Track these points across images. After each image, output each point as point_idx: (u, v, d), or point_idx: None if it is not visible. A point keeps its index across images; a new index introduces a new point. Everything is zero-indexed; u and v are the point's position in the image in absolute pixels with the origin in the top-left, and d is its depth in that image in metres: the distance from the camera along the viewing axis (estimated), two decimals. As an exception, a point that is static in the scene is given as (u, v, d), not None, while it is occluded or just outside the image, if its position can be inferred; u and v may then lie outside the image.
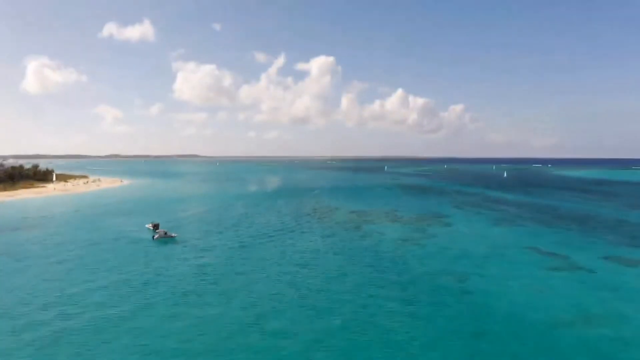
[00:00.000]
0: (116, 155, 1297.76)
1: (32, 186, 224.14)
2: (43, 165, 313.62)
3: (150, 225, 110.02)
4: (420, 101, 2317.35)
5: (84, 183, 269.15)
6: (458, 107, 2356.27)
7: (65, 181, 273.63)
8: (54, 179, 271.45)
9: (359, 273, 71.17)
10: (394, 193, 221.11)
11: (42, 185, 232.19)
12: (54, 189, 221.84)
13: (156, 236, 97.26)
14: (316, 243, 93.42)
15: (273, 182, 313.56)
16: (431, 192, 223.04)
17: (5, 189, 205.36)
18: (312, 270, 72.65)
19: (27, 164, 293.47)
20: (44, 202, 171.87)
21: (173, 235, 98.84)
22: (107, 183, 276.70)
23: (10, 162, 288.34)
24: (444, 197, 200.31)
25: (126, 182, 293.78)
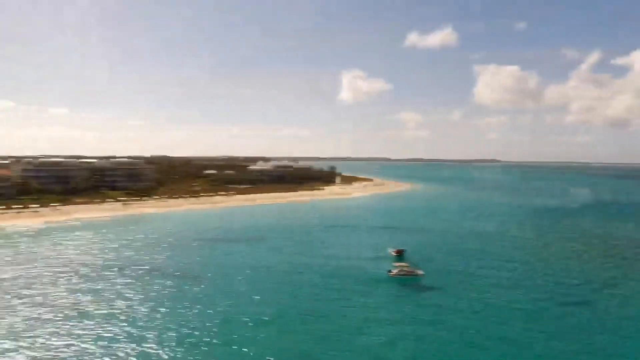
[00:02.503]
0: (417, 159, 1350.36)
1: (313, 188, 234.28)
2: (344, 167, 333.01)
3: (394, 251, 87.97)
4: None
5: (363, 186, 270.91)
6: None
7: (349, 183, 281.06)
8: (338, 180, 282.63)
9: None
10: None
11: (321, 187, 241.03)
12: (331, 190, 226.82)
13: (394, 272, 72.97)
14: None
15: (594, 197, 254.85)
16: None
17: (290, 190, 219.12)
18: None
19: (324, 166, 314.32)
20: (301, 205, 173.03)
21: (418, 273, 72.81)
22: (389, 187, 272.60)
23: (304, 165, 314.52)
24: None
25: (410, 186, 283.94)
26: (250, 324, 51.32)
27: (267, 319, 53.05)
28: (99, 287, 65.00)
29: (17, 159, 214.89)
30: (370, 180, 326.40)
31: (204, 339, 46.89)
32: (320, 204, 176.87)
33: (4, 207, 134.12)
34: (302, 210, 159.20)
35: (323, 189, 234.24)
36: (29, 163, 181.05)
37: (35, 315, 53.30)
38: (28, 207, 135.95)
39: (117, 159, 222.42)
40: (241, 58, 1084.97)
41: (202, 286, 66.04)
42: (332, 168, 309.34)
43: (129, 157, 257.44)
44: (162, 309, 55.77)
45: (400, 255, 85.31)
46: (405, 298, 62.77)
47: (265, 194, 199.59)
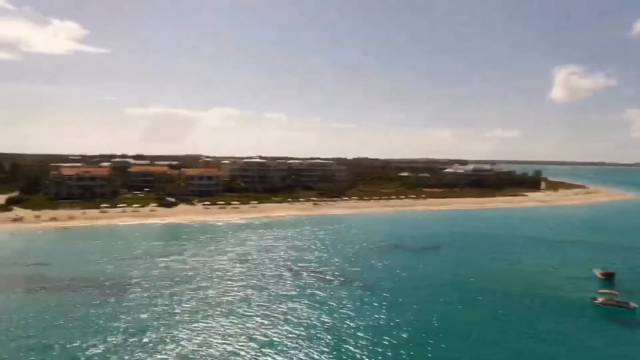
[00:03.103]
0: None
1: (514, 194, 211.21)
2: (551, 172, 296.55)
3: (601, 272, 73.19)
4: None
5: (573, 193, 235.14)
6: None
7: (556, 189, 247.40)
8: (543, 186, 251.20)
9: None
10: None
11: (522, 193, 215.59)
12: (534, 197, 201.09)
13: (600, 300, 60.00)
14: None
15: None
16: None
17: (486, 195, 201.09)
18: None
19: (528, 171, 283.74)
20: (490, 212, 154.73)
21: (631, 305, 58.20)
22: (605, 196, 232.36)
23: (501, 167, 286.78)
24: None
25: (635, 195, 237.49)
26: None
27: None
28: (268, 284, 63.50)
29: (234, 160, 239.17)
30: (582, 186, 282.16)
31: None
32: (516, 212, 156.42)
33: (209, 202, 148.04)
34: (490, 217, 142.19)
35: (525, 196, 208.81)
36: (235, 163, 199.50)
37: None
38: (230, 204, 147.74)
39: (312, 160, 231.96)
40: (444, 61, 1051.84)
41: (382, 295, 59.71)
42: (538, 172, 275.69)
43: (327, 160, 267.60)
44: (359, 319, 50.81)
45: (609, 278, 69.80)
46: (614, 337, 48.21)
47: (458, 199, 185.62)
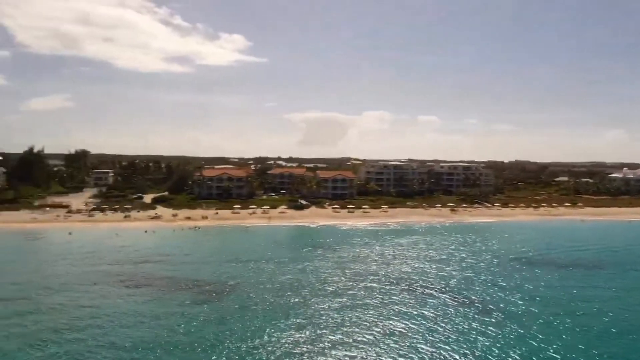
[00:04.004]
0: None
1: None
2: None
3: None
4: None
5: None
6: None
7: None
8: None
9: None
10: None
11: None
12: None
13: None
14: None
15: None
16: None
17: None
18: None
19: None
20: None
21: None
22: None
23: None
24: None
25: None
26: None
27: None
28: (378, 304, 53.54)
29: (375, 162, 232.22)
30: None
31: None
32: None
33: (338, 206, 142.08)
34: None
35: None
36: (371, 166, 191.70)
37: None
38: (360, 208, 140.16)
39: (453, 163, 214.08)
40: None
41: (525, 324, 46.45)
42: None
43: (480, 163, 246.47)
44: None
45: None
46: None
47: (624, 209, 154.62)
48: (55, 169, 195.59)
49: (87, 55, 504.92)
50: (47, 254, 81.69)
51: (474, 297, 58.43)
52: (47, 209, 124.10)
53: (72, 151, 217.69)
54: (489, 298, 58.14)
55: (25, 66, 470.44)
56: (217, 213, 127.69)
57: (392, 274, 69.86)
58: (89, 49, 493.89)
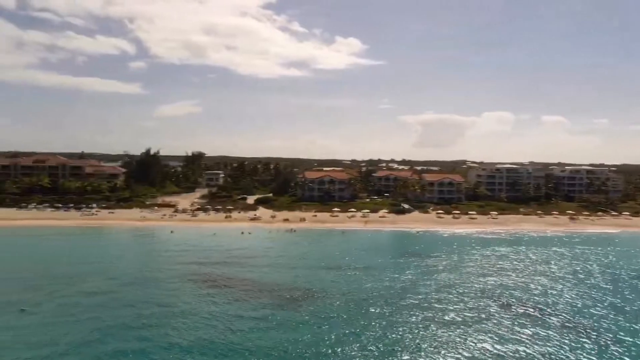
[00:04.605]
0: None
1: None
2: None
3: None
4: None
5: None
6: None
7: None
8: None
9: None
10: None
11: None
12: None
13: None
14: None
15: None
16: None
17: None
18: None
19: None
20: None
21: None
22: None
23: None
24: None
25: None
26: None
27: None
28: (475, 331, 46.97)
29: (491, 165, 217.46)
30: None
31: None
32: None
33: (442, 211, 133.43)
34: None
35: None
36: (482, 169, 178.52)
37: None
38: (467, 214, 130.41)
39: (575, 167, 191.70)
40: None
41: None
42: None
43: (612, 167, 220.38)
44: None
45: None
46: None
47: None
48: (172, 170, 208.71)
49: (212, 63, 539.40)
50: (146, 251, 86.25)
51: (586, 323, 49.16)
52: (156, 207, 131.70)
53: (190, 153, 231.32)
54: (605, 326, 48.42)
55: (158, 76, 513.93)
56: (315, 215, 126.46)
57: (489, 288, 62.20)
58: (214, 57, 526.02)
